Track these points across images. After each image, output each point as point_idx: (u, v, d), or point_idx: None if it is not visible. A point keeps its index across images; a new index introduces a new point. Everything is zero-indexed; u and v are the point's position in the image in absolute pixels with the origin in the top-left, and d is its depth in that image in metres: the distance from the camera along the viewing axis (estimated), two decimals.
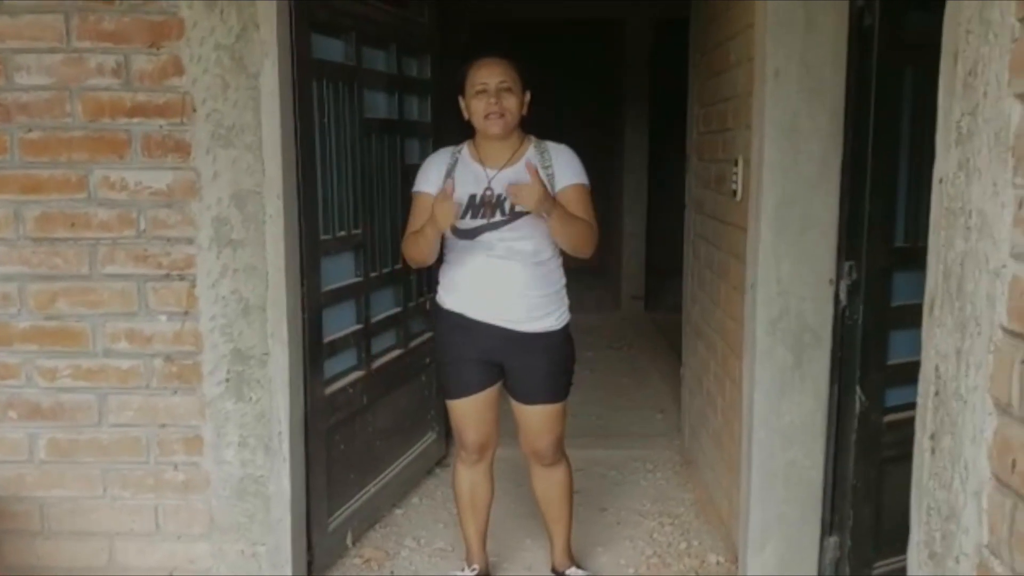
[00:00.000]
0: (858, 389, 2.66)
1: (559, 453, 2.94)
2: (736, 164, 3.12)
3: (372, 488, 3.48)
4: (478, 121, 2.66)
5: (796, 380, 2.67)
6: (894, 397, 2.75)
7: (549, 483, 2.98)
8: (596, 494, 3.90)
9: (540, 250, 2.68)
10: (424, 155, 3.83)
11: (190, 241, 2.73)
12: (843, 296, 2.63)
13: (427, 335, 3.91)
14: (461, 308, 2.74)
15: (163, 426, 2.83)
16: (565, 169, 2.69)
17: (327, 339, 3.08)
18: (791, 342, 2.66)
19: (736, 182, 3.11)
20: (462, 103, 2.72)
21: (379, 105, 3.49)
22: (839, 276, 2.63)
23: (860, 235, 2.60)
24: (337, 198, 3.15)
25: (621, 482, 4.04)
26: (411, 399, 3.82)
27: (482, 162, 2.71)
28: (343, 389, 3.20)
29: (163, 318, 2.77)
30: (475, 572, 3.04)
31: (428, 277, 3.87)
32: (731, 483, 3.25)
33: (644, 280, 7.78)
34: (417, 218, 2.72)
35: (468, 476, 2.95)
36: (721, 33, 3.46)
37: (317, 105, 2.98)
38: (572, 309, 2.84)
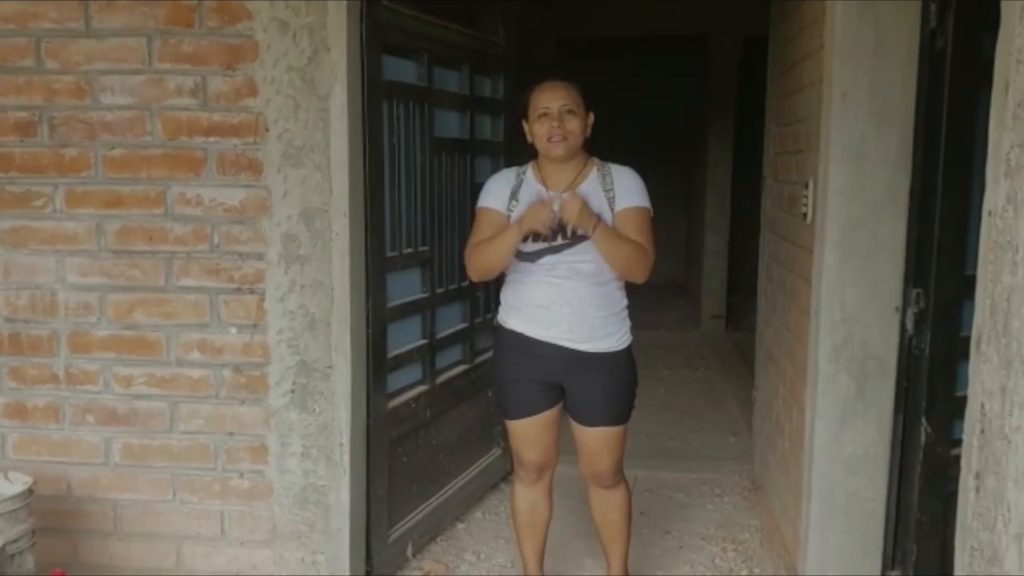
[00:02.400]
0: (924, 420, 2.59)
1: (618, 475, 2.91)
2: (807, 187, 3.07)
3: (435, 501, 3.52)
4: (541, 144, 2.68)
5: (859, 409, 2.61)
6: (963, 429, 2.66)
7: (608, 505, 2.95)
8: (661, 516, 3.86)
9: (602, 271, 2.67)
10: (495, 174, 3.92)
11: (260, 256, 2.82)
12: (909, 324, 2.57)
13: (492, 351, 3.95)
14: (522, 328, 2.74)
15: (230, 434, 2.92)
16: (625, 191, 2.69)
17: (391, 353, 3.13)
18: (855, 370, 2.60)
19: (807, 204, 3.07)
20: (525, 127, 2.75)
21: (450, 124, 3.54)
22: (906, 303, 2.56)
23: (929, 262, 2.53)
24: (405, 215, 3.21)
25: (687, 505, 4.00)
26: (476, 414, 3.85)
27: (545, 184, 2.72)
28: (407, 403, 3.25)
29: (233, 330, 2.87)
30: None
31: (495, 293, 3.91)
32: (796, 511, 3.18)
33: (726, 299, 7.68)
34: (481, 232, 2.73)
35: (527, 496, 2.94)
36: (796, 53, 3.41)
37: (387, 125, 3.05)
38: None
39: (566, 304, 2.66)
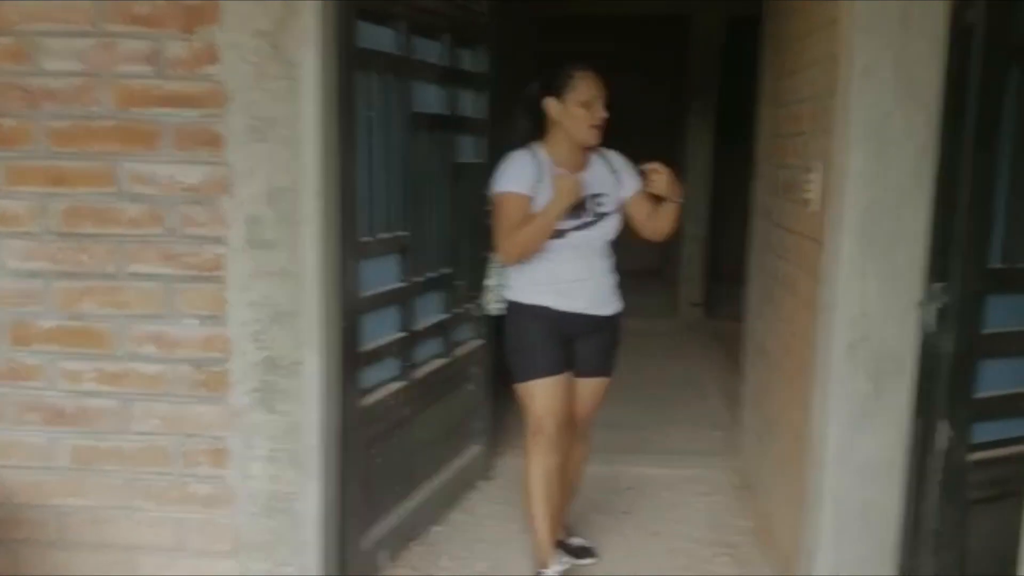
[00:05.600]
0: (944, 424, 2.40)
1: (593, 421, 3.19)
2: (810, 171, 2.86)
3: (411, 503, 3.29)
4: (581, 130, 2.83)
5: (875, 412, 2.42)
6: (983, 432, 2.50)
7: (574, 455, 3.13)
8: (647, 516, 3.67)
9: (607, 244, 2.96)
10: (478, 153, 3.68)
11: (221, 241, 2.56)
12: (930, 321, 2.37)
13: (474, 343, 3.72)
14: (548, 302, 2.89)
15: (189, 436, 2.67)
16: (629, 173, 2.99)
17: (366, 348, 2.89)
18: (871, 370, 2.40)
19: (811, 190, 2.86)
20: (553, 104, 2.83)
21: (430, 99, 3.29)
22: (927, 299, 2.36)
23: (952, 254, 2.34)
24: (381, 197, 2.96)
25: (675, 504, 3.80)
26: (456, 410, 3.62)
27: (564, 165, 2.86)
28: (382, 400, 3.01)
29: (191, 322, 2.61)
30: (563, 567, 3.08)
31: (478, 281, 3.68)
32: (796, 517, 2.99)
33: (705, 286, 7.49)
34: (513, 218, 2.81)
35: (547, 465, 2.95)
36: (798, 30, 3.20)
37: (362, 97, 2.80)
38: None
39: (591, 277, 2.92)
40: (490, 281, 3.02)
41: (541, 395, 2.90)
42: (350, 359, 2.77)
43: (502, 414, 4.29)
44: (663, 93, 8.26)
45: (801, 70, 3.15)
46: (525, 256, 2.86)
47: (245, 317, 2.58)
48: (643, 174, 2.87)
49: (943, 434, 2.40)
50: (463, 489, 3.77)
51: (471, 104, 3.63)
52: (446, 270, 3.44)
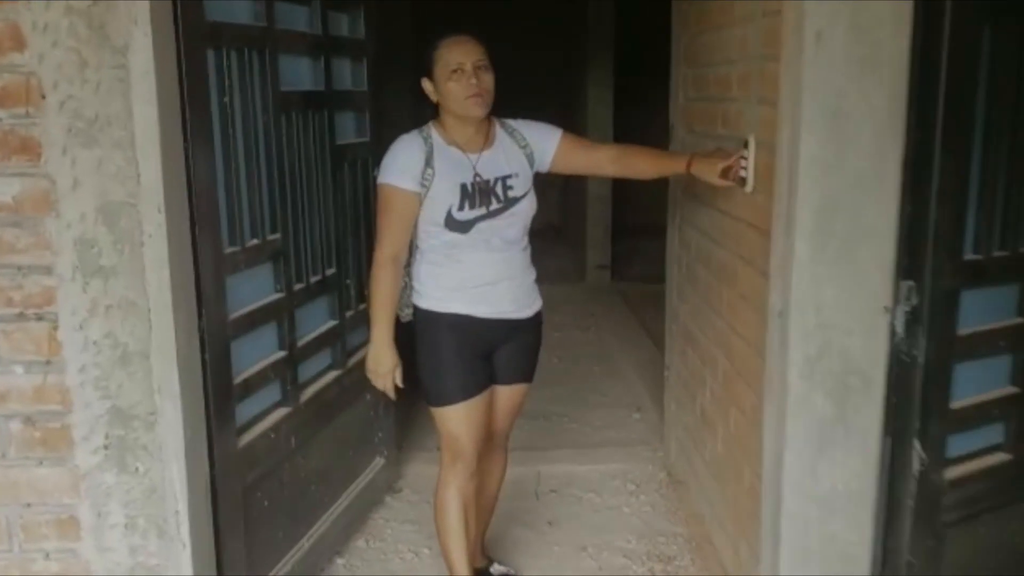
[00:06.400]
0: (916, 443, 2.10)
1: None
2: (746, 146, 2.51)
3: (307, 542, 2.86)
4: (458, 104, 2.44)
5: (839, 435, 2.10)
6: (958, 445, 2.22)
7: (494, 466, 2.87)
8: (573, 526, 3.33)
9: (523, 235, 2.62)
10: (361, 131, 3.21)
11: (48, 270, 2.07)
12: (899, 326, 2.05)
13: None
14: (467, 309, 2.54)
15: (28, 505, 2.19)
16: (541, 134, 2.64)
17: (239, 378, 2.44)
18: (832, 387, 2.07)
19: (747, 168, 2.51)
20: (427, 85, 2.49)
21: (301, 74, 2.80)
22: (896, 301, 2.04)
23: (923, 248, 2.02)
24: (246, 197, 2.48)
25: (600, 508, 3.48)
26: (354, 425, 3.20)
27: (460, 147, 2.51)
28: (264, 435, 2.57)
29: (18, 369, 2.11)
30: None
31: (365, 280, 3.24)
32: (738, 530, 2.69)
33: (611, 247, 7.17)
34: (393, 226, 2.48)
35: (466, 492, 2.64)
36: None
37: (215, 81, 2.31)
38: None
39: (508, 278, 2.57)
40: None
41: (458, 419, 2.57)
42: (220, 396, 2.32)
43: (405, 415, 3.89)
44: (559, 44, 7.80)
45: (728, 26, 2.78)
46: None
47: (84, 361, 2.10)
48: (728, 169, 2.52)
49: (916, 455, 2.10)
50: (369, 508, 3.36)
51: (350, 76, 3.15)
52: (332, 270, 2.98)
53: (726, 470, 2.87)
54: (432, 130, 2.52)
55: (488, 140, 2.55)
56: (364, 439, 3.31)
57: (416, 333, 2.63)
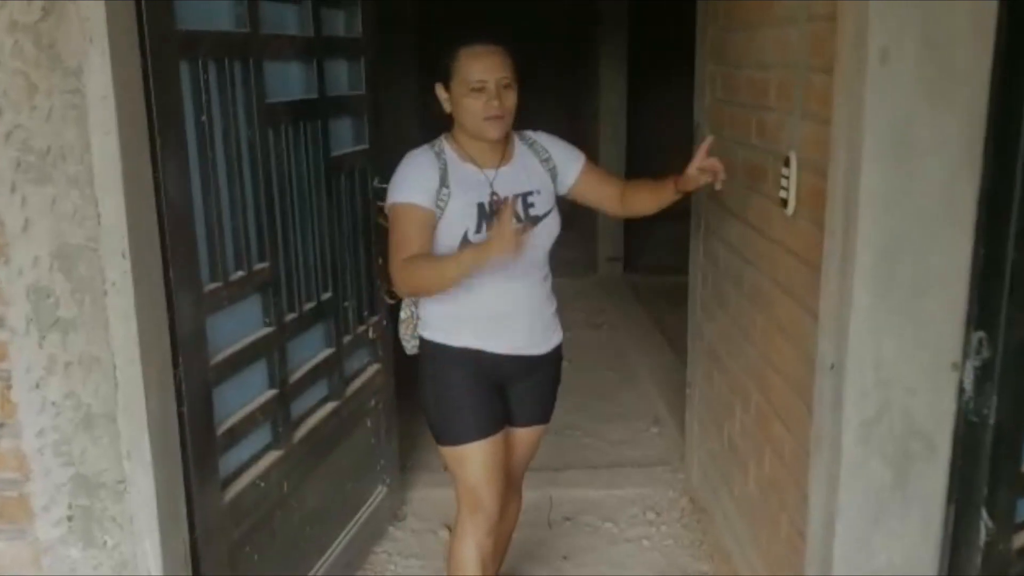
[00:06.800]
0: (983, 512, 1.85)
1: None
2: (786, 164, 2.25)
3: None
4: (474, 122, 2.20)
5: (897, 504, 1.85)
6: None
7: (507, 512, 2.57)
8: (590, 561, 3.11)
9: (545, 262, 2.38)
10: (359, 138, 2.95)
11: (0, 323, 1.82)
12: (968, 383, 1.79)
13: (370, 370, 3.05)
14: (478, 343, 2.30)
15: None
16: (565, 153, 2.43)
17: (223, 427, 2.20)
18: (892, 452, 1.82)
19: (788, 189, 2.25)
20: (441, 93, 2.25)
21: (290, 82, 2.54)
22: (965, 355, 1.78)
23: (997, 295, 1.75)
24: (230, 227, 2.23)
25: (618, 539, 3.24)
26: (353, 456, 2.95)
27: (475, 162, 2.27)
28: (253, 484, 2.33)
29: None
30: None
31: (369, 295, 2.99)
32: None
33: (623, 238, 6.89)
34: (410, 241, 2.17)
35: (484, 548, 2.36)
36: None
37: (191, 99, 2.05)
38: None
39: (527, 312, 2.32)
40: (402, 312, 2.41)
41: (475, 462, 2.32)
42: (200, 452, 2.07)
43: (408, 432, 3.65)
44: (571, 30, 7.45)
45: (763, 25, 2.51)
46: (417, 295, 2.34)
47: (42, 424, 1.85)
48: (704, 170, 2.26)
49: (982, 524, 1.85)
50: (371, 542, 3.13)
51: (346, 78, 2.88)
52: (327, 294, 2.73)
53: (759, 512, 2.63)
54: (445, 144, 2.28)
55: (506, 154, 2.31)
56: (365, 469, 3.07)
57: (422, 367, 2.40)
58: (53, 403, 1.84)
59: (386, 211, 2.26)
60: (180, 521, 1.99)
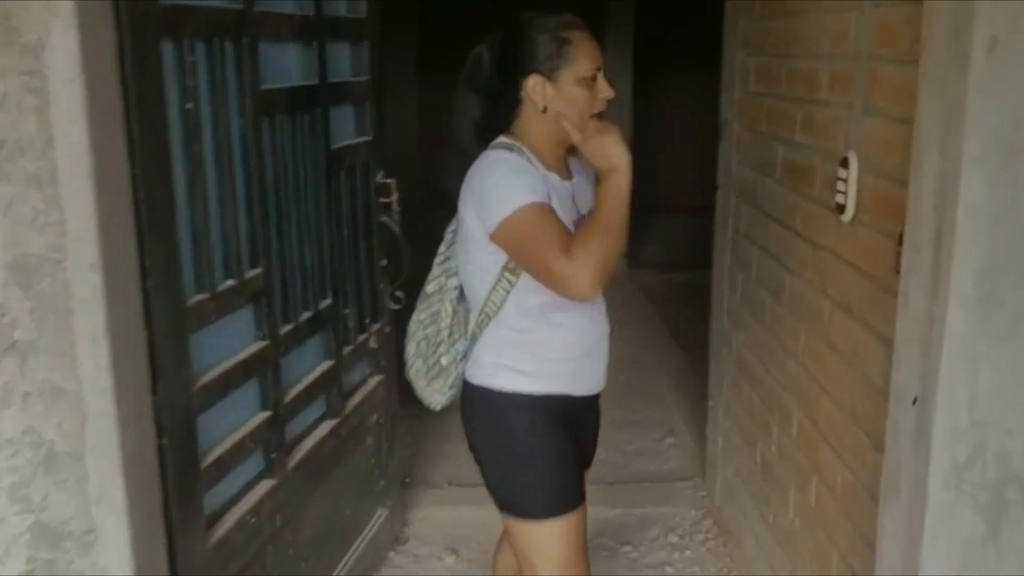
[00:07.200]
0: None
1: None
2: (845, 165, 2.00)
3: None
4: (580, 118, 1.83)
5: (989, 558, 1.61)
6: None
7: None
8: None
9: None
10: (362, 128, 2.69)
11: None
12: None
13: (371, 382, 2.80)
14: (565, 388, 1.95)
15: None
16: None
17: (208, 459, 1.93)
18: (986, 501, 1.58)
19: (845, 193, 2.00)
20: (537, 85, 1.84)
21: (287, 66, 2.27)
22: None
23: None
24: (218, 230, 1.96)
25: (639, 565, 3.01)
26: (351, 478, 2.70)
27: (557, 172, 1.92)
28: (242, 521, 2.06)
29: None
30: None
31: (369, 299, 2.74)
32: None
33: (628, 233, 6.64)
34: (557, 226, 1.75)
35: None
36: None
37: (176, 84, 1.78)
38: None
39: (602, 339, 2.02)
40: (444, 357, 2.02)
41: (578, 532, 1.95)
42: (182, 491, 1.81)
43: (409, 444, 3.39)
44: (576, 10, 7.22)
45: (813, 12, 2.26)
46: (610, 268, 1.76)
47: None
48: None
49: None
50: (371, 570, 2.88)
51: (349, 62, 2.62)
52: (326, 302, 2.47)
53: (802, 545, 2.39)
54: (525, 150, 1.88)
55: (569, 159, 1.98)
56: (364, 492, 2.82)
57: (488, 424, 1.98)
58: (9, 440, 1.57)
59: (495, 230, 1.79)
60: (159, 571, 1.73)
